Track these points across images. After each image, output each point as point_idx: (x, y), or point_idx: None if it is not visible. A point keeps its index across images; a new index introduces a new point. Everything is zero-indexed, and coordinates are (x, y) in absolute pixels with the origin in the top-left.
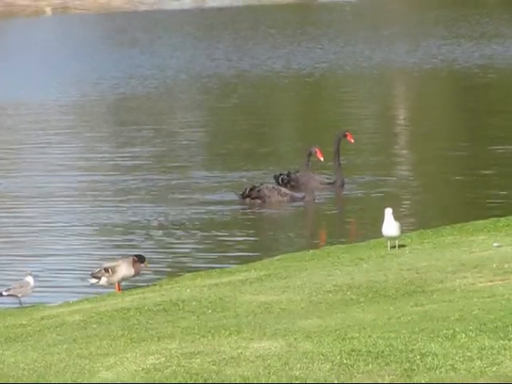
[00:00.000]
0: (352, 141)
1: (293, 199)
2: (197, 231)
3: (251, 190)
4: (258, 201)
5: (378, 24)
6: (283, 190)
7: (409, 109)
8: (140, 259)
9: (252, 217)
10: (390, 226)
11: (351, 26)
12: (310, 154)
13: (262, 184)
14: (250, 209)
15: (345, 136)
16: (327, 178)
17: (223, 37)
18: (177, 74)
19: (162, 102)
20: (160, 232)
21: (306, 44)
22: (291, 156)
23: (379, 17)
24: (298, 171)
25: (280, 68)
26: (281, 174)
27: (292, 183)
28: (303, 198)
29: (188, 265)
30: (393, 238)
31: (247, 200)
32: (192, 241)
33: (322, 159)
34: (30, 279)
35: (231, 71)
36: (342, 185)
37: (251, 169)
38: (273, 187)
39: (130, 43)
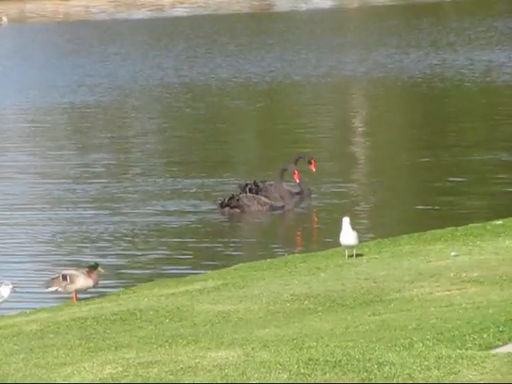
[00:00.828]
0: (314, 169)
1: (272, 208)
2: (162, 240)
3: (230, 199)
4: (237, 210)
5: (333, 33)
6: (263, 199)
7: (361, 117)
8: (92, 267)
9: (224, 226)
10: (348, 235)
11: (305, 35)
12: (284, 170)
13: (241, 193)
14: (228, 218)
15: (309, 162)
16: (294, 188)
17: (176, 46)
18: (127, 82)
19: (113, 111)
20: (121, 241)
21: (258, 53)
22: (246, 165)
23: (334, 26)
24: (264, 181)
25: (228, 76)
26: (247, 184)
27: (262, 193)
28: (282, 207)
29: (148, 274)
30: (350, 247)
31: (226, 209)
32: (154, 250)
33: (297, 181)
34: (3, 290)
35: (180, 80)
36: (309, 194)
37: (210, 177)
38: (252, 196)
39: (86, 52)
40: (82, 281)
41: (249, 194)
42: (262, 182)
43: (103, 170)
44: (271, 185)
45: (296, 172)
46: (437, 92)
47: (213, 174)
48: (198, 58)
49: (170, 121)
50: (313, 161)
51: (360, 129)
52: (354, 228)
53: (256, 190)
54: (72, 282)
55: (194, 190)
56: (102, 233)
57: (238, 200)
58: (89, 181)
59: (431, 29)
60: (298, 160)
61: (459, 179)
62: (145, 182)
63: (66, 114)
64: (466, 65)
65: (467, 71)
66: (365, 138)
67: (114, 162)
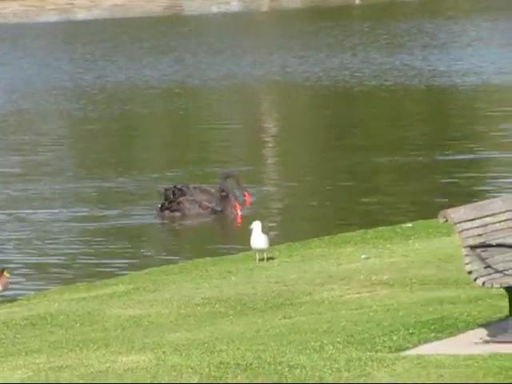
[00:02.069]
0: (249, 201)
1: (213, 212)
2: (73, 243)
3: (171, 202)
4: (178, 213)
5: (239, 36)
6: (204, 202)
7: (264, 120)
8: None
9: (155, 229)
10: (258, 239)
11: (210, 38)
12: (227, 177)
13: (181, 197)
14: (167, 222)
15: (244, 195)
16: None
17: (77, 49)
18: (25, 85)
19: (14, 114)
20: (31, 245)
21: (160, 56)
22: (148, 168)
23: (242, 29)
24: (184, 185)
25: (124, 80)
26: (167, 190)
27: (188, 197)
28: (223, 210)
29: (59, 278)
30: (261, 251)
31: (166, 212)
32: (65, 254)
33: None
34: None
35: (77, 83)
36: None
37: (123, 177)
38: (193, 200)
39: None
40: None
41: (189, 197)
42: (182, 186)
43: (11, 172)
44: (195, 188)
45: (247, 195)
46: (336, 95)
47: (114, 177)
48: (97, 61)
49: (64, 124)
50: (247, 194)
51: (265, 132)
52: (264, 232)
53: (180, 194)
54: None
55: (96, 193)
56: (12, 236)
57: (178, 203)
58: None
59: (335, 32)
60: (228, 178)
61: (369, 182)
62: (52, 184)
63: None
64: (361, 68)
65: (361, 74)
66: (271, 140)
67: (22, 165)
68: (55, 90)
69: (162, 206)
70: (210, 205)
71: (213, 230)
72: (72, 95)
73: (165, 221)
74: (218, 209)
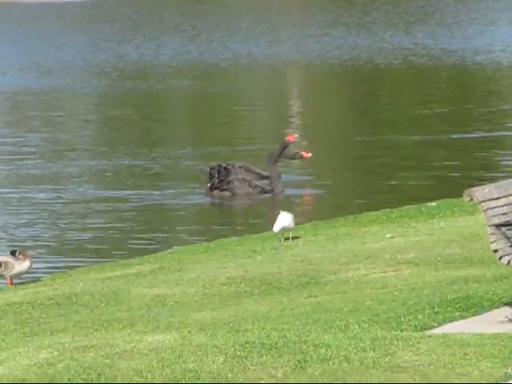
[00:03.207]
0: (309, 155)
1: (263, 191)
2: (100, 222)
3: (220, 181)
4: (228, 193)
5: (264, 16)
6: (254, 181)
7: (290, 97)
8: (20, 252)
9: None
10: (284, 217)
11: (233, 18)
12: (284, 148)
13: (230, 175)
14: (218, 200)
15: (300, 156)
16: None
17: (106, 28)
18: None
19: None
20: (56, 225)
21: (184, 36)
22: (179, 145)
23: (267, 9)
24: (230, 165)
25: (149, 59)
26: (212, 168)
27: (232, 176)
28: (273, 190)
29: (85, 257)
30: (286, 230)
31: (215, 192)
32: (91, 232)
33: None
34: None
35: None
36: (279, 178)
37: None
38: (243, 179)
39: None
40: (18, 266)
41: (239, 176)
42: (227, 165)
43: (36, 149)
44: (240, 167)
45: (303, 153)
46: (360, 73)
47: (144, 155)
48: (128, 40)
49: (102, 101)
50: (302, 153)
51: (290, 109)
52: (290, 211)
53: (225, 173)
54: (6, 267)
55: (139, 170)
56: (36, 215)
57: (228, 183)
58: (22, 161)
59: (356, 11)
60: (285, 148)
61: (394, 161)
62: (84, 163)
63: None
64: (384, 47)
65: (385, 53)
66: (297, 117)
67: (50, 144)
68: (84, 70)
69: (211, 185)
70: (259, 184)
71: (262, 208)
72: (98, 74)
73: (215, 200)
74: (268, 188)
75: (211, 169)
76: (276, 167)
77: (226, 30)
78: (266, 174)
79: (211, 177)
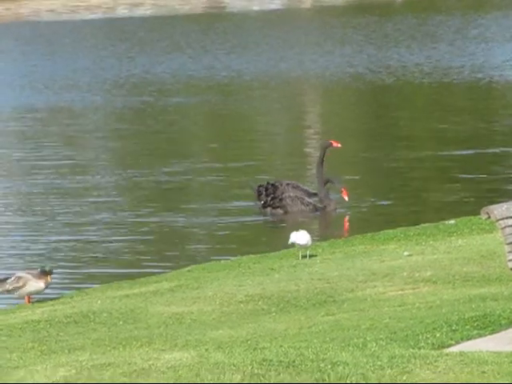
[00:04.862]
0: (339, 145)
1: (315, 209)
2: (119, 240)
3: (273, 199)
4: (280, 210)
5: (284, 32)
6: (306, 199)
7: (310, 114)
8: (46, 273)
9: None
10: (301, 236)
11: (255, 35)
12: (326, 147)
13: (283, 193)
14: (270, 218)
15: (330, 145)
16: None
17: (125, 47)
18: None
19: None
20: (75, 242)
21: (204, 51)
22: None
23: (288, 25)
24: (278, 182)
25: (170, 74)
26: (260, 186)
27: (290, 194)
28: (325, 207)
29: (103, 275)
30: (304, 248)
31: (268, 209)
32: (109, 251)
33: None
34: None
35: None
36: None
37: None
38: (296, 196)
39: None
40: (34, 284)
41: (291, 194)
42: (275, 182)
43: (54, 164)
44: (288, 184)
45: (332, 142)
46: (380, 89)
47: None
48: (145, 56)
49: (114, 117)
50: (343, 189)
51: (311, 126)
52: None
53: (273, 190)
54: (24, 285)
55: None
56: (53, 231)
57: (280, 200)
58: (40, 177)
59: (377, 28)
60: (327, 183)
61: (413, 177)
62: (102, 178)
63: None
64: (405, 62)
65: (405, 69)
66: (316, 134)
67: (77, 157)
68: (106, 85)
69: (264, 202)
70: (311, 201)
71: (314, 226)
72: (121, 88)
73: (267, 217)
74: (320, 206)
75: (259, 186)
76: (324, 187)
77: (239, 46)
78: (313, 191)
79: (259, 194)
